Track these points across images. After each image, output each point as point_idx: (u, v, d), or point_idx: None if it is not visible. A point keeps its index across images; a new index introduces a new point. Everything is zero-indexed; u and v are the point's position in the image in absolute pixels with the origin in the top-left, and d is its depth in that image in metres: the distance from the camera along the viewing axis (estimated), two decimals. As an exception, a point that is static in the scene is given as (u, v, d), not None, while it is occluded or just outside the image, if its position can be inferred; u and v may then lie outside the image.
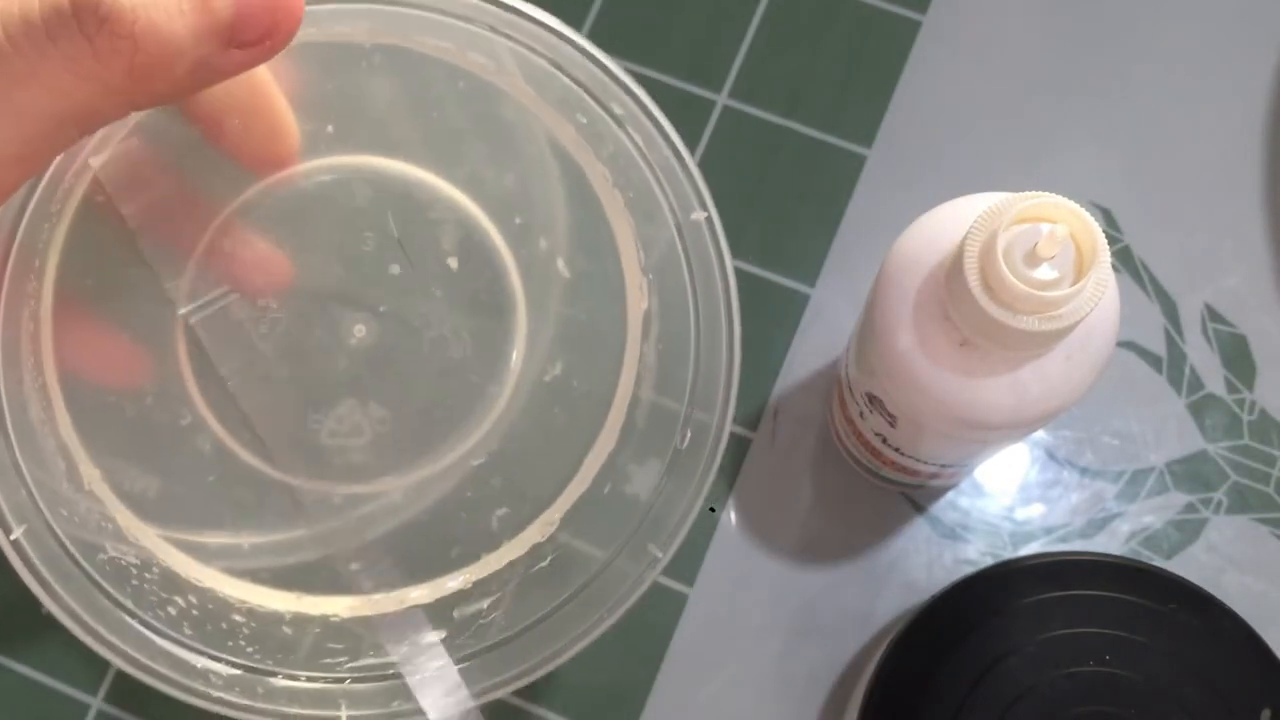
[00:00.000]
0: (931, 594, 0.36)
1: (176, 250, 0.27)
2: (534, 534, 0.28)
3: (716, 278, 0.27)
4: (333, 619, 0.27)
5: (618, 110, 0.26)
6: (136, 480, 0.27)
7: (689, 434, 0.26)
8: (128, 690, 0.40)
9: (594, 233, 0.27)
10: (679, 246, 0.27)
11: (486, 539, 0.27)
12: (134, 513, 0.27)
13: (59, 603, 0.26)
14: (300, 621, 0.27)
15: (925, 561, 0.40)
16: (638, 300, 0.27)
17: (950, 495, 0.40)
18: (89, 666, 0.40)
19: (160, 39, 0.19)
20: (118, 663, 0.25)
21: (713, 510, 0.40)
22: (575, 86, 0.27)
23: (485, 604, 0.27)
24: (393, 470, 0.27)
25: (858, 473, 0.40)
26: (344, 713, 0.25)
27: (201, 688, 0.26)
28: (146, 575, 0.26)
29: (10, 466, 0.25)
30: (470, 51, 0.27)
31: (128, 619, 0.26)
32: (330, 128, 0.27)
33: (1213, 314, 0.41)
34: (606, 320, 0.28)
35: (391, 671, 0.26)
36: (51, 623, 0.41)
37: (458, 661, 0.26)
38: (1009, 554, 0.40)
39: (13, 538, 0.25)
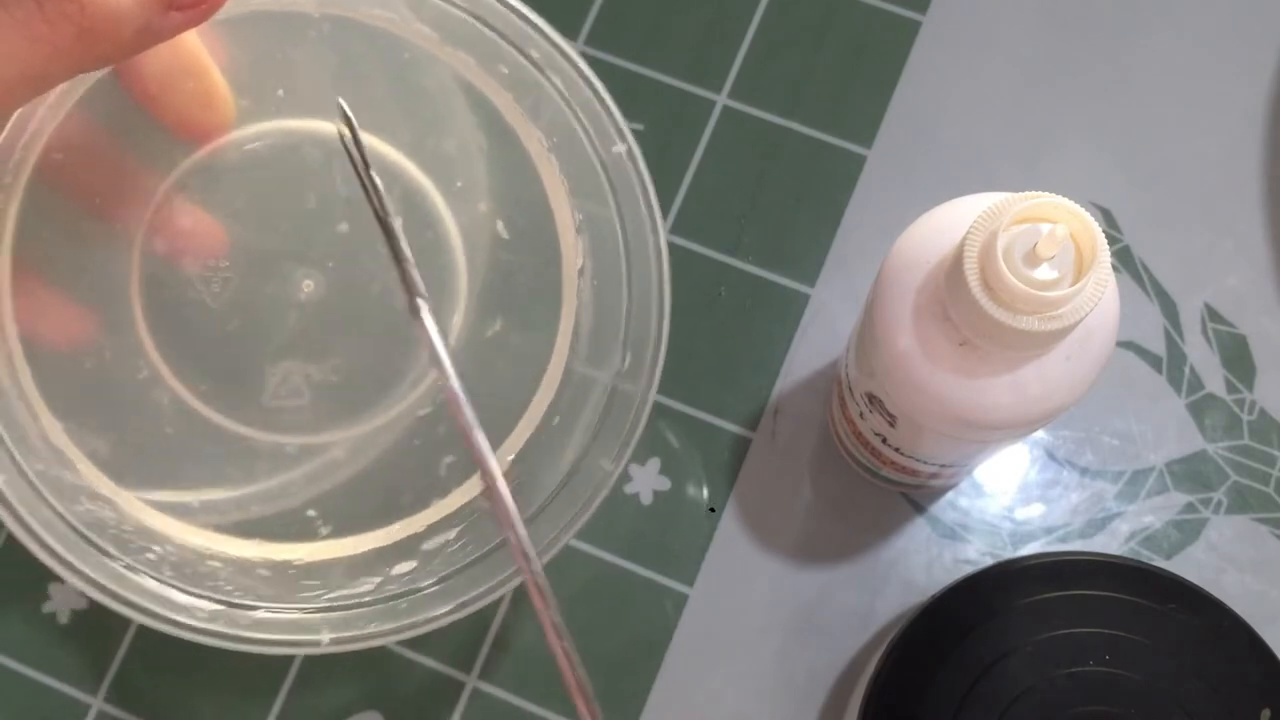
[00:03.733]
0: (931, 594, 0.36)
1: (128, 214, 0.28)
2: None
3: (641, 204, 0.28)
4: (295, 563, 0.28)
5: (535, 55, 0.28)
6: (98, 435, 0.28)
7: (629, 355, 0.28)
8: (128, 690, 0.40)
9: (530, 196, 0.29)
10: (604, 181, 0.28)
11: (436, 485, 0.29)
12: (98, 467, 0.27)
13: (40, 543, 0.26)
14: (272, 565, 0.28)
15: (925, 561, 0.40)
16: (573, 259, 0.28)
17: (950, 495, 0.40)
18: (90, 667, 0.40)
19: (107, 6, 0.20)
20: (97, 596, 0.26)
21: (712, 510, 0.41)
22: (498, 38, 0.28)
23: (452, 534, 0.28)
24: (341, 423, 0.28)
25: (858, 473, 0.40)
26: (325, 636, 0.26)
27: (186, 620, 0.26)
28: (123, 526, 0.27)
29: None
30: (415, 23, 0.28)
31: (108, 560, 0.26)
32: (280, 92, 0.28)
33: (1212, 314, 0.41)
34: (544, 279, 0.29)
35: (368, 598, 0.27)
36: (51, 621, 0.41)
37: (431, 584, 0.27)
38: (1009, 554, 0.40)
39: None
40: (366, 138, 0.29)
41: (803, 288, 0.42)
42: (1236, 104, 0.43)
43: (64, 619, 0.40)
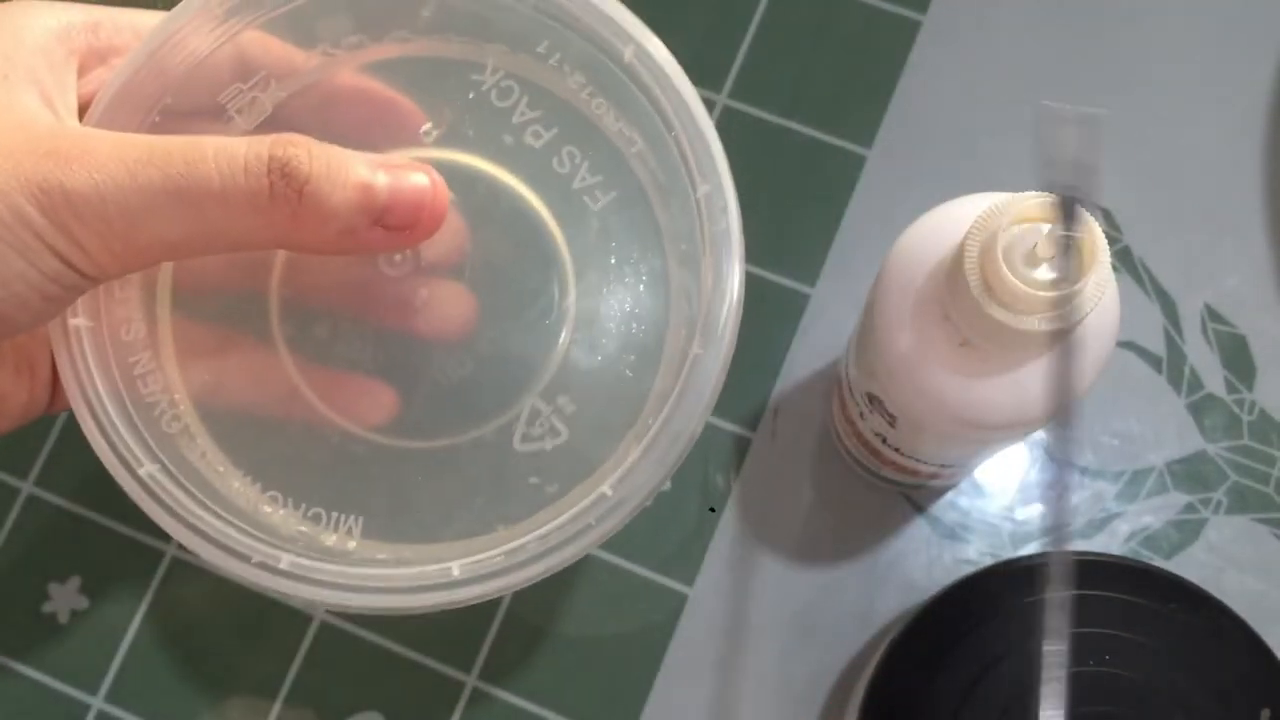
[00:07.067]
0: (931, 594, 0.36)
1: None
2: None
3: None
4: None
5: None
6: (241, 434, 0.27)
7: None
8: (128, 690, 0.40)
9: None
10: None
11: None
12: (232, 461, 0.27)
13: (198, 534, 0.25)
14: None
15: (925, 561, 0.40)
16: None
17: (950, 495, 0.40)
18: (90, 666, 0.40)
19: (319, 200, 0.23)
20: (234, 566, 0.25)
21: (712, 510, 0.41)
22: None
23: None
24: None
25: (857, 473, 0.40)
26: (454, 566, 0.25)
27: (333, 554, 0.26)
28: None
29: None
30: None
31: (235, 532, 0.25)
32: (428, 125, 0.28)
33: (1212, 314, 0.41)
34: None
35: (499, 529, 0.26)
36: (51, 621, 0.41)
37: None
38: (1009, 554, 0.40)
39: (143, 471, 0.25)
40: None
41: (803, 288, 0.42)
42: (1236, 104, 0.43)
43: (64, 619, 0.40)
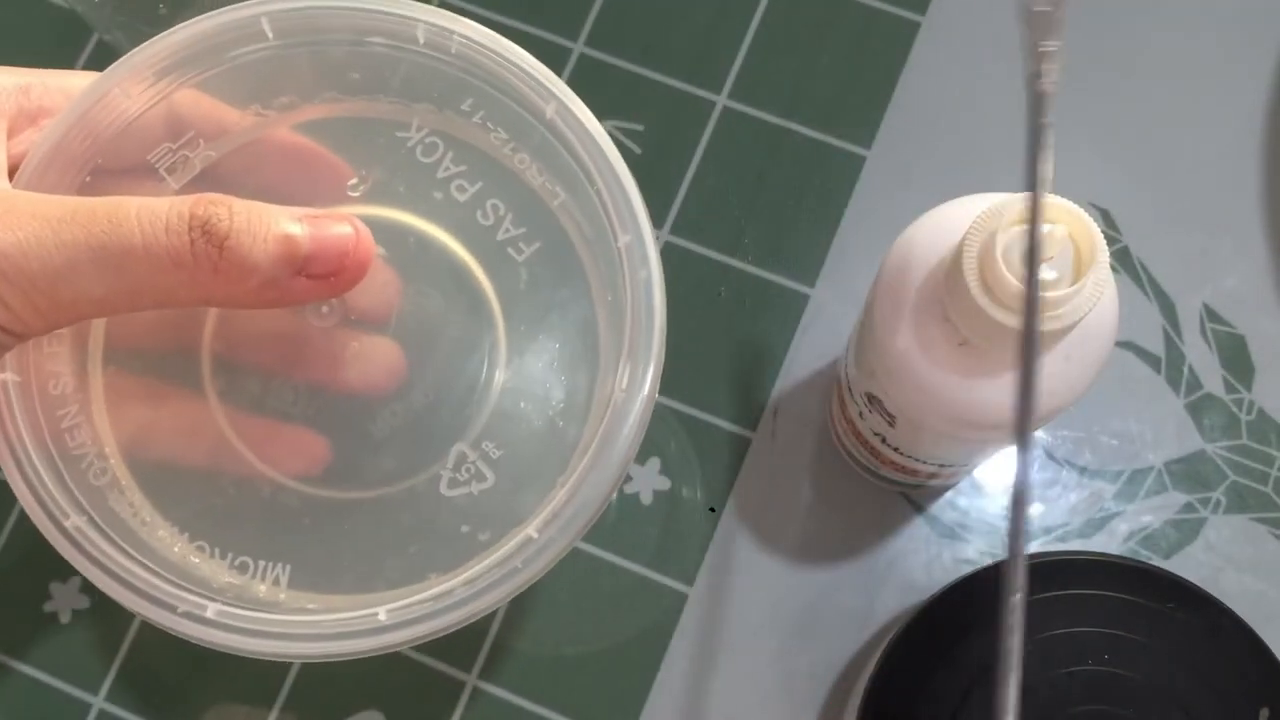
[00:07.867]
0: (930, 593, 0.36)
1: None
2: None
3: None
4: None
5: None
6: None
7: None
8: (129, 689, 0.40)
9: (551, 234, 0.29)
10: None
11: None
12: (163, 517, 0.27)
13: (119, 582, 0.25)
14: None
15: (924, 561, 0.40)
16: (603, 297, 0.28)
17: (949, 495, 0.40)
18: (91, 666, 0.40)
19: (241, 255, 0.23)
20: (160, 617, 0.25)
21: (712, 510, 0.41)
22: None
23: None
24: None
25: (857, 472, 0.40)
26: (381, 611, 0.25)
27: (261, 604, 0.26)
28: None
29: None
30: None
31: (159, 581, 0.25)
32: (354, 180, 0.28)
33: (1211, 314, 0.41)
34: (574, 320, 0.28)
35: (431, 577, 0.27)
36: (52, 620, 0.41)
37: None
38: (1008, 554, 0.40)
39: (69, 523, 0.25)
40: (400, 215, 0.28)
41: (803, 288, 0.42)
42: (1236, 104, 0.43)
43: (65, 618, 0.40)
